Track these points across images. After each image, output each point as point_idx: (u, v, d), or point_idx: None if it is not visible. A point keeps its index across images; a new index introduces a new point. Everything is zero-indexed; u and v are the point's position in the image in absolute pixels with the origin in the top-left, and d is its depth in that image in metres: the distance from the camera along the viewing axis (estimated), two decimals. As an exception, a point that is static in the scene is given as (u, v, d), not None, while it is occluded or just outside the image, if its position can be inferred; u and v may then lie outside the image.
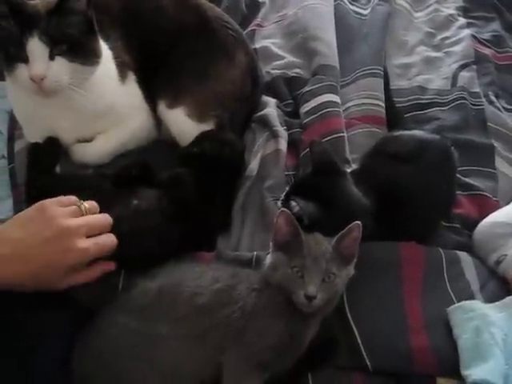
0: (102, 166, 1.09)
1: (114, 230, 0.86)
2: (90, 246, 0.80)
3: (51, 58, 0.89)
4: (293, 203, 0.88)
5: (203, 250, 0.95)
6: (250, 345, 0.77)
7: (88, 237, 0.81)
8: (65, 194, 0.86)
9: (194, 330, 0.78)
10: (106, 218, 0.85)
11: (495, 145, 1.18)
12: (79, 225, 0.80)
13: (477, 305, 0.87)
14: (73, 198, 0.84)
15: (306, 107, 1.22)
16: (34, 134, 1.09)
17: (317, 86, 1.25)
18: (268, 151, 1.12)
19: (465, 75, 1.34)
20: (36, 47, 0.86)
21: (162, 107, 1.14)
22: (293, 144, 1.16)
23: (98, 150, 1.10)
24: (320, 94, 1.23)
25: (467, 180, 1.11)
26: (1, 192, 1.10)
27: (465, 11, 1.56)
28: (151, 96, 1.15)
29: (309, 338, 0.80)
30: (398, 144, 1.04)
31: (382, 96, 1.24)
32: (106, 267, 0.85)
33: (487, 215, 1.02)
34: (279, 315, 0.78)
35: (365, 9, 1.54)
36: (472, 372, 0.77)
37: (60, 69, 0.92)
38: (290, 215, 0.79)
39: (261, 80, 1.27)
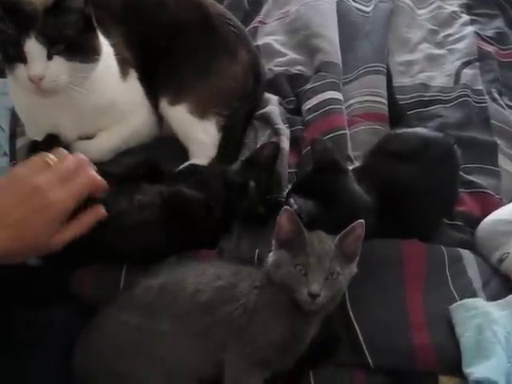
0: (103, 163, 1.09)
1: (117, 223, 0.85)
2: (67, 195, 0.76)
3: (49, 57, 0.88)
4: (291, 201, 0.88)
5: (205, 247, 0.95)
6: (251, 342, 0.77)
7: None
8: None
9: (195, 327, 0.77)
10: (76, 159, 0.80)
11: (498, 142, 1.18)
12: (48, 177, 0.76)
13: (479, 303, 0.86)
14: (42, 154, 0.80)
15: (308, 104, 1.22)
16: (35, 131, 1.09)
17: (319, 83, 1.25)
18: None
19: (468, 72, 1.34)
20: (33, 48, 0.86)
21: (163, 104, 1.14)
22: (295, 141, 1.16)
23: (99, 147, 1.10)
24: (322, 91, 1.22)
25: (470, 177, 1.10)
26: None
27: (468, 8, 1.56)
28: (153, 93, 1.15)
29: (310, 336, 0.80)
30: (401, 142, 1.03)
31: (385, 93, 1.24)
32: (95, 215, 0.81)
33: (490, 213, 1.02)
34: (281, 313, 0.78)
35: (367, 6, 1.54)
36: (474, 370, 0.77)
37: (58, 68, 0.91)
38: (293, 213, 0.79)
39: (263, 77, 1.27)
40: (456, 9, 1.55)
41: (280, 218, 0.79)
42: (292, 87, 1.31)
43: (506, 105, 1.29)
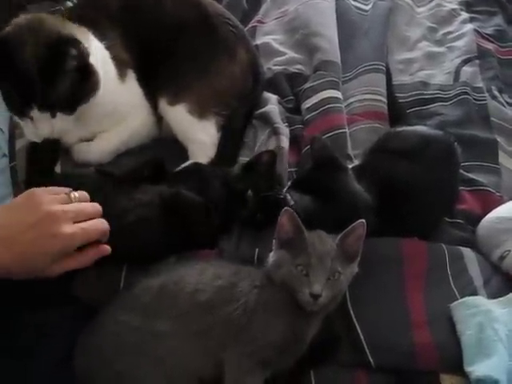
0: (102, 164, 1.09)
1: (116, 221, 0.85)
2: (77, 231, 0.78)
3: (53, 116, 0.90)
4: (288, 197, 0.89)
5: (204, 248, 0.95)
6: (251, 342, 0.76)
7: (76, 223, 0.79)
8: None
9: (195, 327, 0.77)
10: (94, 206, 0.82)
11: (498, 140, 1.18)
12: (65, 210, 0.77)
13: (480, 301, 0.86)
14: (65, 188, 0.83)
15: (307, 103, 1.21)
16: (34, 134, 1.08)
17: (318, 81, 1.25)
18: (270, 148, 1.11)
19: (467, 70, 1.34)
20: (37, 114, 0.88)
21: (163, 104, 1.14)
22: (294, 140, 1.16)
23: (100, 149, 1.10)
24: (321, 90, 1.22)
25: (470, 175, 1.10)
26: (2, 190, 1.10)
27: (467, 6, 1.55)
28: (152, 93, 1.15)
29: (311, 336, 0.80)
30: (401, 139, 1.03)
31: (384, 91, 1.24)
32: (98, 252, 0.83)
33: (490, 210, 1.01)
34: (281, 312, 0.78)
35: (366, 4, 1.54)
36: (475, 368, 0.77)
37: (63, 123, 0.92)
38: (293, 213, 0.79)
39: (262, 76, 1.27)
40: (455, 6, 1.55)
41: (281, 218, 0.79)
42: (291, 86, 1.31)
43: (506, 102, 1.29)
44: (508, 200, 1.05)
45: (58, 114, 0.89)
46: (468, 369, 0.78)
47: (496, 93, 1.30)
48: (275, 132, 1.14)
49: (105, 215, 0.87)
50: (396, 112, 1.21)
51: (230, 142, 1.14)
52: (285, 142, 1.12)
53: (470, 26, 1.46)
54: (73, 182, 0.95)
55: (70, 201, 0.80)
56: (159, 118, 1.17)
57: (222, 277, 0.81)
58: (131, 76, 1.11)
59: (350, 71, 1.33)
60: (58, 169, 1.04)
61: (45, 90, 0.86)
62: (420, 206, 0.94)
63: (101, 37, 1.05)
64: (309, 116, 1.18)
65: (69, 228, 0.77)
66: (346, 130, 1.15)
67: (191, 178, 1.00)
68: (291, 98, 1.29)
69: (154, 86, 1.15)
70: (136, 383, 0.77)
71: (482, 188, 1.08)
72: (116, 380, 0.77)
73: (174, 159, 1.11)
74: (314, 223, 0.82)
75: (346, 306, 0.85)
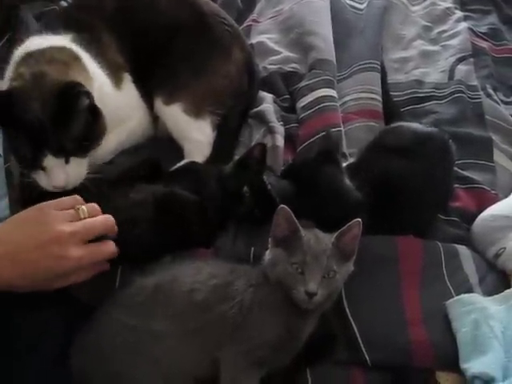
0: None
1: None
2: (84, 255, 0.78)
3: (67, 162, 0.88)
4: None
5: (200, 246, 0.94)
6: (247, 341, 0.76)
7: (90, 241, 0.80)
8: (61, 195, 0.85)
9: (191, 326, 0.77)
10: (106, 221, 0.82)
11: (493, 138, 1.18)
12: (74, 231, 0.77)
13: (475, 298, 0.86)
14: (73, 199, 0.82)
15: (302, 102, 1.22)
16: None
17: (313, 80, 1.25)
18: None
19: (462, 68, 1.34)
20: (52, 161, 0.86)
21: (158, 104, 1.14)
22: (290, 139, 1.16)
23: (98, 152, 1.08)
24: (317, 89, 1.22)
25: (465, 173, 1.10)
26: (-3, 191, 1.10)
27: (462, 4, 1.56)
28: (148, 93, 1.15)
29: (307, 334, 0.80)
30: (396, 136, 1.03)
31: (379, 90, 1.24)
32: (99, 268, 0.83)
33: (486, 208, 1.02)
34: (277, 311, 0.78)
35: (361, 3, 1.54)
36: (471, 365, 0.77)
37: (77, 168, 0.90)
38: (289, 211, 0.79)
39: (257, 76, 1.27)
40: (450, 5, 1.55)
41: (276, 216, 0.79)
42: (286, 85, 1.31)
43: (501, 100, 1.30)
44: (503, 198, 1.06)
45: (72, 159, 0.88)
46: (464, 366, 0.78)
47: (490, 91, 1.30)
48: (270, 131, 1.14)
49: None
50: (390, 111, 1.21)
51: (225, 140, 1.14)
52: (280, 141, 1.12)
53: (464, 25, 1.47)
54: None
55: (79, 216, 0.80)
56: (155, 118, 1.17)
57: (218, 276, 0.81)
58: (127, 80, 1.10)
59: (345, 70, 1.34)
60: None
61: (59, 135, 0.85)
62: (415, 202, 0.95)
63: (95, 40, 1.04)
64: (304, 114, 1.19)
65: (76, 251, 0.77)
66: (341, 128, 1.15)
67: (186, 176, 1.00)
68: (286, 96, 1.29)
69: (150, 86, 1.14)
70: (132, 382, 0.77)
71: (476, 186, 1.08)
72: (112, 379, 0.77)
73: (170, 158, 1.10)
74: (292, 209, 0.81)
75: (341, 304, 0.85)
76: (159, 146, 1.17)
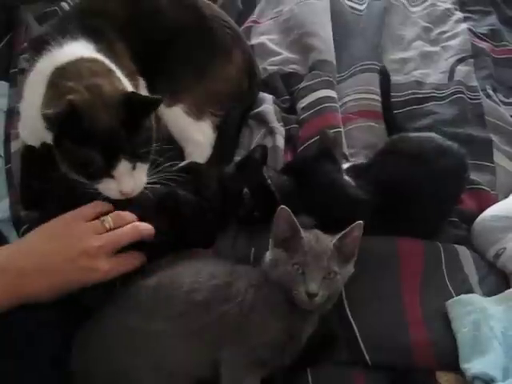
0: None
1: None
2: (113, 267, 0.81)
3: (133, 168, 0.89)
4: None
5: (201, 246, 0.95)
6: (248, 341, 0.77)
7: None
8: (63, 197, 0.88)
9: (191, 326, 0.77)
10: (133, 230, 0.84)
11: (493, 138, 1.18)
12: (102, 245, 0.80)
13: (475, 298, 0.87)
14: (93, 206, 0.85)
15: (302, 103, 1.22)
16: (33, 138, 1.07)
17: (313, 81, 1.25)
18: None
19: (462, 69, 1.34)
20: (123, 168, 0.87)
21: (160, 106, 1.14)
22: (290, 140, 1.16)
23: None
24: (317, 90, 1.22)
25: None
26: (-2, 192, 1.10)
27: (461, 5, 1.56)
28: (151, 95, 1.14)
29: (307, 335, 0.80)
30: (415, 145, 1.02)
31: (379, 90, 1.24)
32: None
33: (486, 209, 1.02)
34: (277, 312, 0.78)
35: (361, 4, 1.54)
36: (471, 366, 0.77)
37: (142, 174, 0.91)
38: (289, 212, 0.79)
39: (258, 77, 1.27)
40: (449, 6, 1.55)
41: (276, 216, 0.79)
42: (286, 86, 1.31)
43: (501, 101, 1.29)
44: (503, 198, 1.06)
45: (138, 165, 0.89)
46: (464, 366, 0.78)
47: (490, 92, 1.30)
48: (271, 132, 1.14)
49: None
50: (393, 127, 1.19)
51: (225, 142, 1.14)
52: (280, 142, 1.12)
53: (464, 26, 1.46)
54: (69, 186, 0.95)
55: (104, 228, 0.83)
56: (156, 119, 1.17)
57: (218, 276, 0.81)
58: (142, 87, 1.10)
59: (344, 71, 1.34)
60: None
61: (131, 141, 0.86)
62: (423, 212, 0.95)
63: (112, 50, 1.04)
64: (304, 115, 1.19)
65: (105, 264, 0.81)
66: (342, 129, 1.15)
67: (187, 177, 1.00)
68: (287, 97, 1.29)
69: (152, 88, 1.14)
70: (133, 383, 0.77)
71: (477, 187, 1.08)
72: (113, 380, 0.77)
73: (170, 159, 1.10)
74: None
75: (342, 304, 0.85)
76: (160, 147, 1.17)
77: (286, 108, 1.26)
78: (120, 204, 0.89)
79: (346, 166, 1.02)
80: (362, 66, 1.31)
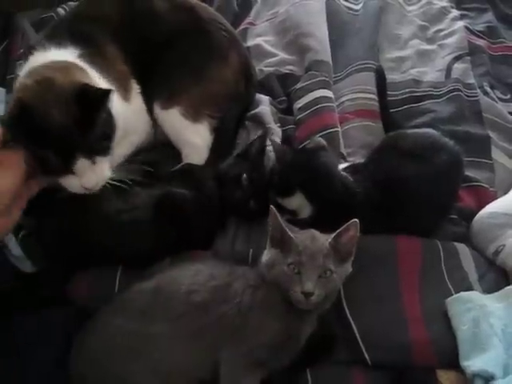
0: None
1: (111, 222, 0.87)
2: None
3: (94, 162, 0.89)
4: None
5: (199, 247, 0.95)
6: (246, 342, 0.77)
7: None
8: (62, 196, 0.88)
9: (190, 327, 0.77)
10: None
11: (491, 135, 1.18)
12: None
13: (475, 296, 0.86)
14: None
15: (299, 103, 1.22)
16: None
17: (310, 81, 1.25)
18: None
19: (459, 67, 1.34)
20: (81, 164, 0.86)
21: (156, 108, 1.14)
22: (287, 141, 1.15)
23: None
24: (313, 90, 1.22)
25: (464, 172, 1.10)
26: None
27: (458, 3, 1.56)
28: (147, 98, 1.15)
29: (306, 335, 0.80)
30: (410, 141, 1.02)
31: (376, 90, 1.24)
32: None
33: (485, 206, 1.02)
34: (276, 312, 0.78)
35: (356, 4, 1.55)
36: (471, 363, 0.77)
37: (103, 167, 0.91)
38: (275, 212, 0.79)
39: (254, 79, 1.27)
40: (446, 4, 1.55)
41: (270, 216, 0.80)
42: (283, 87, 1.31)
43: (498, 98, 1.29)
44: (502, 195, 1.06)
45: (97, 160, 0.89)
46: (464, 363, 0.78)
47: (488, 89, 1.30)
48: (267, 131, 1.14)
49: (99, 217, 0.90)
50: (390, 125, 1.19)
51: (222, 143, 1.14)
52: (277, 143, 1.12)
53: (460, 23, 1.46)
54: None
55: None
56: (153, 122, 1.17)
57: (217, 277, 0.81)
58: (135, 91, 1.10)
59: (341, 70, 1.34)
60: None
61: (86, 136, 0.85)
62: (420, 207, 0.94)
63: (102, 55, 1.04)
64: (301, 116, 1.19)
65: None
66: (339, 128, 1.15)
67: (183, 178, 1.01)
68: (283, 98, 1.29)
69: (148, 90, 1.14)
70: (130, 386, 0.77)
71: (475, 184, 1.08)
72: (112, 383, 0.77)
73: (168, 162, 1.11)
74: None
75: (340, 303, 0.85)
76: (157, 151, 1.17)
77: (282, 109, 1.26)
78: None
79: (343, 165, 1.02)
80: (358, 65, 1.31)
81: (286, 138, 1.16)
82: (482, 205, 1.03)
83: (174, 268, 0.86)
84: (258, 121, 1.17)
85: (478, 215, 1.00)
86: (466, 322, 0.82)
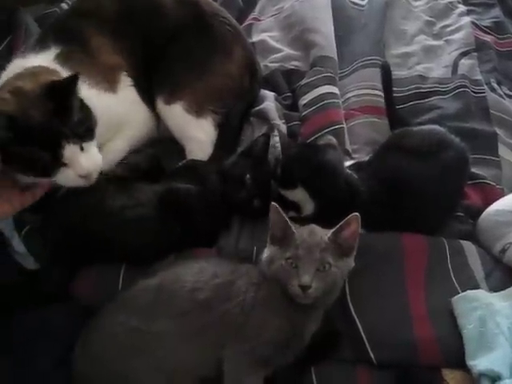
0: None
1: (116, 218, 0.88)
2: None
3: (82, 149, 0.90)
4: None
5: (204, 244, 0.94)
6: (250, 340, 0.76)
7: None
8: (66, 192, 0.88)
9: (194, 325, 0.77)
10: None
11: (498, 132, 1.17)
12: None
13: (481, 294, 0.86)
14: None
15: (304, 99, 1.21)
16: None
17: (315, 77, 1.25)
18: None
19: (465, 63, 1.33)
20: (71, 152, 0.87)
21: (159, 103, 1.13)
22: (292, 137, 1.15)
23: (108, 161, 1.05)
24: (318, 86, 1.22)
25: (471, 169, 1.09)
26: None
27: (465, -2, 1.55)
28: (149, 93, 1.14)
29: (310, 332, 0.79)
30: (416, 139, 1.01)
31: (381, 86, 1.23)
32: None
33: (491, 203, 1.00)
34: (279, 309, 0.78)
35: (362, -1, 1.54)
36: (477, 362, 0.76)
37: (93, 152, 0.92)
38: (278, 208, 0.79)
39: (259, 74, 1.26)
40: (452, -1, 1.54)
41: (271, 213, 0.79)
42: (288, 83, 1.30)
43: (505, 94, 1.28)
44: (508, 193, 1.05)
45: (85, 146, 0.89)
46: (470, 363, 0.77)
47: (495, 85, 1.29)
48: (272, 129, 1.13)
49: (103, 213, 0.90)
50: (393, 118, 1.18)
51: (227, 139, 1.14)
52: (282, 139, 1.11)
53: (467, 19, 1.45)
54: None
55: None
56: (157, 117, 1.16)
57: (220, 275, 0.81)
58: (125, 82, 1.10)
59: (346, 66, 1.33)
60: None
61: (67, 124, 0.86)
62: (424, 206, 0.94)
63: (84, 48, 1.05)
64: (306, 112, 1.18)
65: None
66: (344, 125, 1.15)
67: (186, 173, 1.01)
68: (288, 94, 1.28)
69: (152, 86, 1.14)
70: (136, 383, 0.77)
71: (482, 181, 1.07)
72: (116, 380, 0.77)
73: (172, 158, 1.10)
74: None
75: (345, 301, 0.84)
76: (161, 146, 1.16)
77: (287, 105, 1.25)
78: None
79: (348, 163, 1.02)
80: (364, 61, 1.31)
81: (291, 135, 1.15)
82: (488, 202, 1.02)
83: (177, 266, 0.86)
84: (263, 117, 1.17)
85: (484, 213, 0.99)
86: (472, 321, 0.81)
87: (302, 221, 0.86)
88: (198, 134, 1.12)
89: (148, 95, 1.14)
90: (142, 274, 0.86)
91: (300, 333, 0.78)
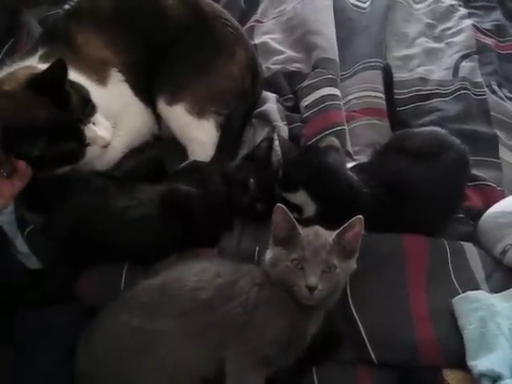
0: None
1: (118, 219, 0.89)
2: None
3: (94, 123, 0.96)
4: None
5: (206, 245, 0.95)
6: (252, 340, 0.76)
7: None
8: (69, 193, 0.90)
9: (196, 325, 0.77)
10: None
11: (499, 134, 1.17)
12: None
13: (482, 295, 0.86)
14: None
15: (306, 101, 1.22)
16: None
17: (317, 79, 1.25)
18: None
19: (466, 65, 1.33)
20: (90, 130, 0.94)
21: (161, 104, 1.14)
22: (294, 139, 1.15)
23: (108, 159, 1.07)
24: (320, 88, 1.22)
25: (472, 171, 1.09)
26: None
27: (465, 1, 1.56)
28: (151, 93, 1.15)
29: (312, 332, 0.79)
30: (417, 140, 1.02)
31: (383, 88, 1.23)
32: None
33: (492, 205, 1.01)
34: (281, 309, 0.78)
35: (364, 2, 1.54)
36: (478, 362, 0.76)
37: (102, 121, 0.99)
38: (285, 209, 0.79)
39: (261, 76, 1.27)
40: (454, 2, 1.55)
41: (274, 214, 0.79)
42: (290, 85, 1.31)
43: (506, 96, 1.29)
44: (509, 194, 1.05)
45: (94, 120, 0.96)
46: (471, 363, 0.77)
47: (495, 87, 1.29)
48: (274, 130, 1.14)
49: (106, 213, 0.90)
50: (394, 120, 1.19)
51: (229, 141, 1.14)
52: (283, 141, 1.12)
53: (468, 22, 1.46)
54: (79, 184, 0.96)
55: None
56: (159, 119, 1.17)
57: (222, 275, 0.81)
58: (116, 77, 1.10)
59: (348, 68, 1.33)
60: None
61: (72, 109, 0.92)
62: (425, 207, 0.94)
63: (69, 46, 1.07)
64: (308, 114, 1.19)
65: None
66: (345, 126, 1.15)
67: (189, 175, 1.01)
68: (290, 96, 1.29)
69: (153, 86, 1.14)
70: (138, 383, 0.77)
71: (483, 183, 1.08)
72: (118, 380, 0.77)
73: (175, 159, 1.11)
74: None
75: (346, 302, 0.85)
76: (163, 147, 1.17)
77: (289, 106, 1.26)
78: None
79: (350, 165, 1.02)
80: (365, 63, 1.31)
81: (293, 136, 1.15)
82: (489, 204, 1.02)
83: (179, 265, 0.86)
84: (265, 118, 1.17)
85: (485, 214, 1.00)
86: (472, 322, 0.81)
87: (304, 222, 0.86)
88: (199, 135, 1.13)
89: (148, 95, 1.15)
90: (145, 274, 0.86)
91: (302, 333, 0.78)
